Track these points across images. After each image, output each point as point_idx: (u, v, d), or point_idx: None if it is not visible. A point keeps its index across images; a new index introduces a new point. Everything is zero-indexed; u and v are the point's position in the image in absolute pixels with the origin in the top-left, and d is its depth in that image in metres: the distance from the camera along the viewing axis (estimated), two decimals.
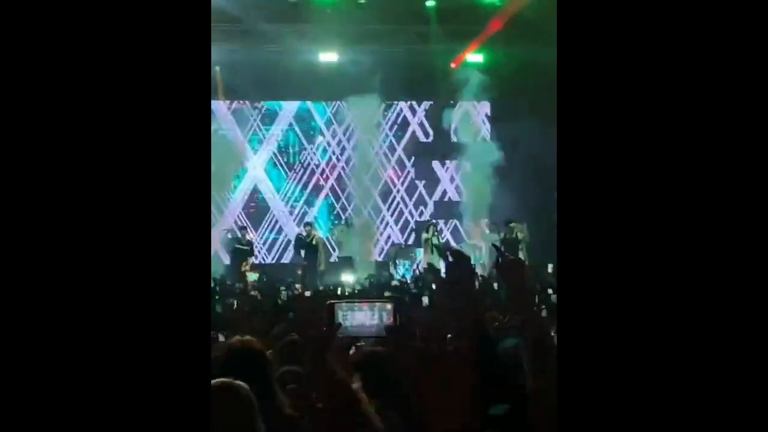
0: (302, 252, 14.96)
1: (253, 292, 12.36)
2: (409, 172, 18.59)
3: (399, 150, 18.51)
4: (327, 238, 16.75)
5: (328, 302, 6.91)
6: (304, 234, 15.16)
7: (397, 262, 16.49)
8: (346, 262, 15.75)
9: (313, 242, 14.88)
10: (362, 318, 6.48)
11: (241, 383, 3.20)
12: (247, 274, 14.34)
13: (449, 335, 3.83)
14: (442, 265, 3.03)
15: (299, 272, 14.37)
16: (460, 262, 3.01)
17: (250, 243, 15.06)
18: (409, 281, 13.66)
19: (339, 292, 11.39)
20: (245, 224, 16.52)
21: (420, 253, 16.01)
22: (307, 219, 16.68)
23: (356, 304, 6.62)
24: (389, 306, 6.66)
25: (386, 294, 10.38)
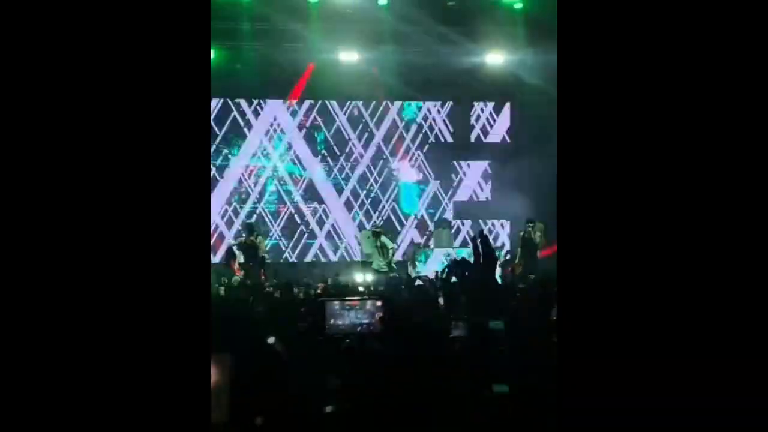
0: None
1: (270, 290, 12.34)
2: (429, 172, 18.62)
3: (417, 150, 18.53)
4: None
5: (319, 300, 7.05)
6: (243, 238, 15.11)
7: (416, 262, 16.49)
8: (367, 263, 15.89)
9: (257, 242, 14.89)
10: (353, 315, 6.69)
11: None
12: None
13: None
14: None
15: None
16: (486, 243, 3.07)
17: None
18: (425, 280, 13.65)
19: (360, 290, 11.40)
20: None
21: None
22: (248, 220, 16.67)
23: (346, 302, 6.81)
24: (379, 303, 6.85)
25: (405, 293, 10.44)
